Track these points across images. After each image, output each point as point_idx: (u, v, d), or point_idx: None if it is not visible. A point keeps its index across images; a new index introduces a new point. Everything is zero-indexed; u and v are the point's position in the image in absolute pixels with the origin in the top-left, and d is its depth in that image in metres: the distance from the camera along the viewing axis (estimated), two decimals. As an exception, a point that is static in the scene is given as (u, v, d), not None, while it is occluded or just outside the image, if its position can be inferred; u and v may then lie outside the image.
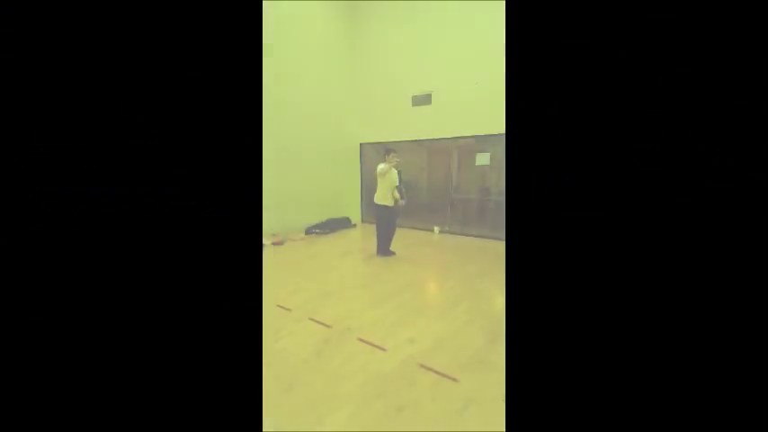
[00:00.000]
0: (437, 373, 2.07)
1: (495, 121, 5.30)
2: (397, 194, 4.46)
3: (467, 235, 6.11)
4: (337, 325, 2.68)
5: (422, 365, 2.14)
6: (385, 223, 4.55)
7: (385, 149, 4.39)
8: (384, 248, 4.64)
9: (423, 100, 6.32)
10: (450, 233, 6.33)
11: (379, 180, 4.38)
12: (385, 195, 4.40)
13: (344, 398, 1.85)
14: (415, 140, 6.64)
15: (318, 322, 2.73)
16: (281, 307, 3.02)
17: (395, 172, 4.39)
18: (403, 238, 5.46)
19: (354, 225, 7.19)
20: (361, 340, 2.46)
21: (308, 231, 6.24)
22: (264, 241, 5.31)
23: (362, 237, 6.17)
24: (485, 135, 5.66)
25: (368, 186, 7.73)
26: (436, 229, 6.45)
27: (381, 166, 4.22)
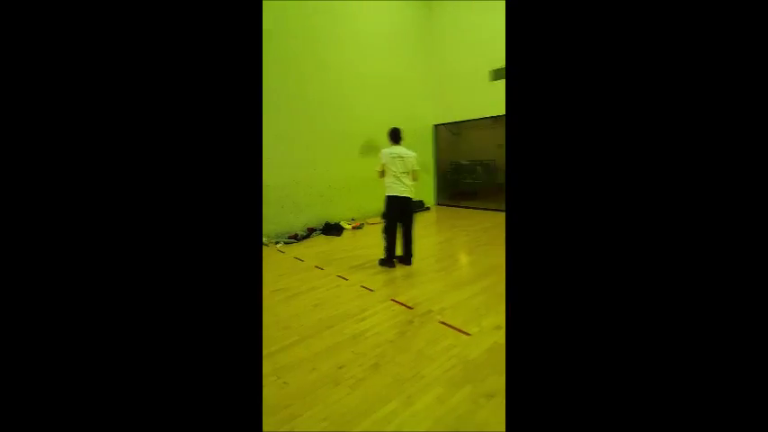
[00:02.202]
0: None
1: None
2: (407, 180, 3.49)
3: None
4: (419, 307, 2.67)
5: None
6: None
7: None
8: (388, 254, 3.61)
9: (503, 73, 5.84)
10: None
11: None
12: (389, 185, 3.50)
13: (431, 380, 1.83)
14: (494, 117, 6.20)
15: (400, 303, 2.75)
16: (365, 287, 3.12)
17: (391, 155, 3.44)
18: (483, 220, 5.20)
19: (428, 208, 7.09)
20: (443, 323, 2.40)
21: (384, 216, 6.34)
22: (344, 225, 5.55)
23: (437, 219, 6.05)
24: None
25: (441, 169, 7.52)
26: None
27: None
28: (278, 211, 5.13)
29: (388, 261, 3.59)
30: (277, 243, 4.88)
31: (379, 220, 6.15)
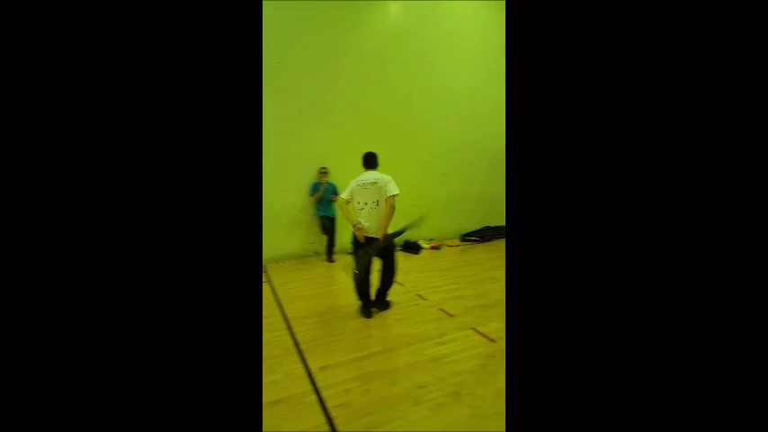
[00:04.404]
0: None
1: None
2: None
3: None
4: (501, 341, 2.59)
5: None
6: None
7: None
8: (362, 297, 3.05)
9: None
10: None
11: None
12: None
13: (515, 422, 1.77)
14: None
15: (482, 334, 2.70)
16: (443, 311, 3.14)
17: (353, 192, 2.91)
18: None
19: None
20: (528, 364, 2.29)
21: (464, 239, 6.25)
22: (422, 244, 5.64)
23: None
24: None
25: (530, 196, 7.11)
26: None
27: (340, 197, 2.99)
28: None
29: (362, 309, 3.04)
30: (360, 253, 5.18)
31: (458, 242, 6.09)
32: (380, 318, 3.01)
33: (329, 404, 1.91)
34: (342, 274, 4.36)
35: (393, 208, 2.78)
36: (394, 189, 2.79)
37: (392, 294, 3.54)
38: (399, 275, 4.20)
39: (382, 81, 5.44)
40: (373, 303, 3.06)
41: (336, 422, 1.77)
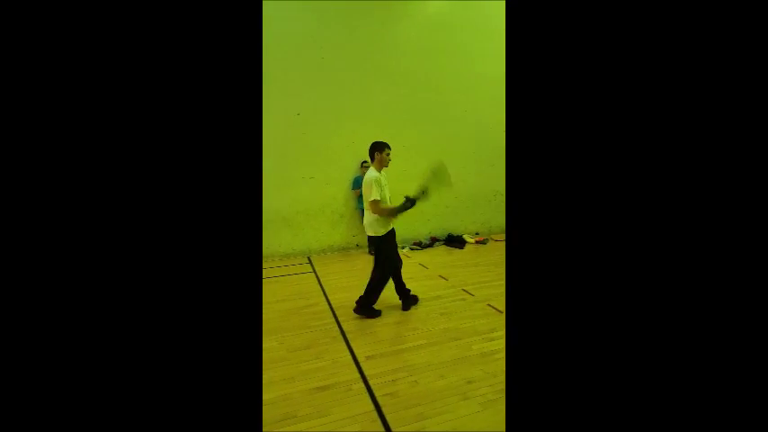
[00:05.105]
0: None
1: None
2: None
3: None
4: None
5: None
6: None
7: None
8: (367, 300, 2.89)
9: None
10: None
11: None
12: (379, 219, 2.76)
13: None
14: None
15: (533, 332, 2.55)
16: (492, 306, 3.01)
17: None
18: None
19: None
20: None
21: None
22: (467, 238, 5.48)
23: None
24: None
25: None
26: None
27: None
28: (406, 219, 5.41)
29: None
30: (403, 248, 5.16)
31: (504, 237, 5.85)
32: (424, 312, 2.96)
33: (377, 393, 1.90)
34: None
35: (377, 212, 2.69)
36: (372, 194, 2.66)
37: (436, 288, 3.47)
38: (443, 269, 4.12)
39: (423, 73, 5.34)
40: (404, 299, 3.02)
41: (385, 410, 1.76)
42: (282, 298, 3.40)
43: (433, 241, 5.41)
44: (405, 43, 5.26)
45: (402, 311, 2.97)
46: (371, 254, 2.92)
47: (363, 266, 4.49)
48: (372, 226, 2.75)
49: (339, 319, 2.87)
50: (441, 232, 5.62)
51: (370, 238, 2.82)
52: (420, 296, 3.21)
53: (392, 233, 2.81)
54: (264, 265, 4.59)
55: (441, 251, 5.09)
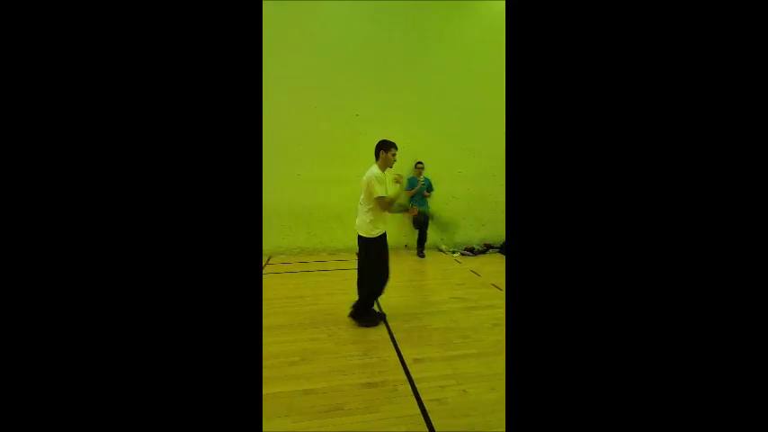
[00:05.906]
0: None
1: None
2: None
3: None
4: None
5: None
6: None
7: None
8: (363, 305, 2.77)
9: None
10: None
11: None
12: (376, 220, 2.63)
13: None
14: None
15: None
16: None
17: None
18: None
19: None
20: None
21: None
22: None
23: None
24: None
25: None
26: None
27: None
28: (460, 224, 5.27)
29: (372, 315, 2.80)
30: (454, 253, 5.02)
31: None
32: (476, 321, 2.84)
33: (423, 397, 1.85)
34: (432, 271, 4.28)
35: (384, 207, 2.57)
36: (376, 191, 2.51)
37: (488, 298, 3.32)
38: (496, 278, 3.92)
39: (481, 74, 5.17)
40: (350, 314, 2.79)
41: (432, 416, 1.71)
42: (331, 291, 3.49)
43: (486, 248, 5.19)
44: (465, 45, 5.16)
45: (453, 319, 2.88)
46: (357, 255, 2.81)
47: (412, 267, 4.46)
48: (364, 227, 2.61)
49: (387, 319, 2.86)
50: (496, 239, 5.38)
51: (359, 238, 2.68)
52: (472, 304, 3.08)
53: (383, 237, 2.66)
54: (312, 259, 4.77)
55: (494, 259, 4.87)
